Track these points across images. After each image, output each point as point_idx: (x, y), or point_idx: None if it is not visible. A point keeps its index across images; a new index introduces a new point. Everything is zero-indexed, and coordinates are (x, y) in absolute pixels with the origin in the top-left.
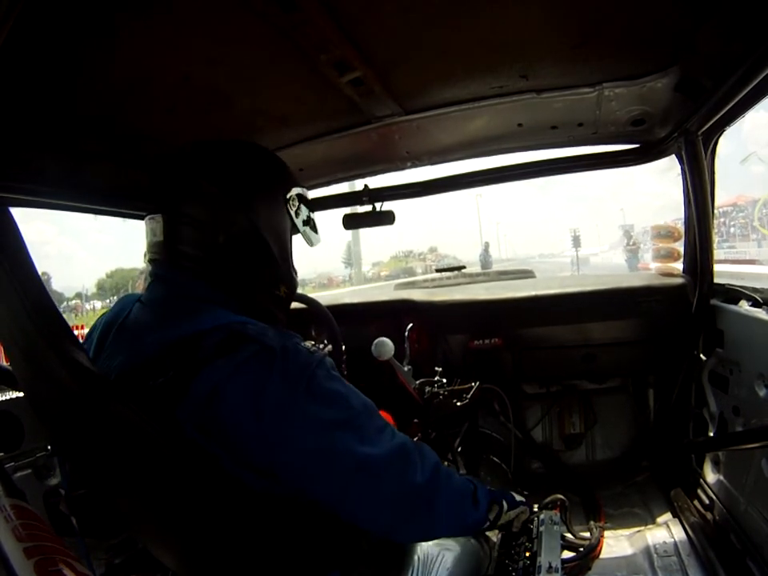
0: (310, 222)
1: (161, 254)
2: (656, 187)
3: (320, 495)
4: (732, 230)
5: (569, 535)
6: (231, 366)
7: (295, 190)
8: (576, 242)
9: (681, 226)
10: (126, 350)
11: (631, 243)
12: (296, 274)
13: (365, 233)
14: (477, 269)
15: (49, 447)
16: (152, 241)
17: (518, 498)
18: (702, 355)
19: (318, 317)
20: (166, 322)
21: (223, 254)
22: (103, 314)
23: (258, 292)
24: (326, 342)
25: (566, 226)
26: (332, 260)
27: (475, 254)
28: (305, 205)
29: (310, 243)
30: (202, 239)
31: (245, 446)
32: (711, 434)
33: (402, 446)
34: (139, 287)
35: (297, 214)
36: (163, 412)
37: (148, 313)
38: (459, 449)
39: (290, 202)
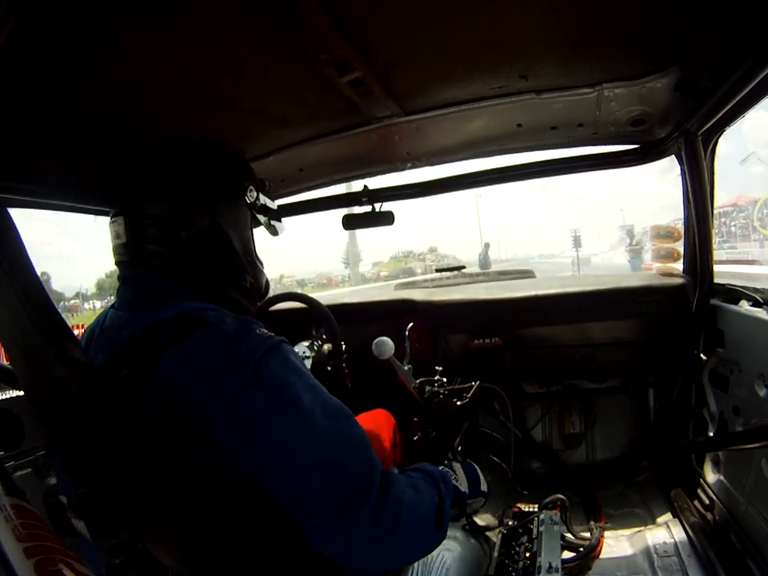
0: (270, 215)
1: (126, 255)
2: (656, 187)
3: (272, 486)
4: (733, 230)
5: (569, 535)
6: (187, 350)
7: (253, 186)
8: (576, 242)
9: (680, 227)
10: (102, 353)
11: (634, 243)
12: (262, 265)
13: (364, 233)
14: (476, 269)
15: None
16: (116, 243)
17: (482, 485)
18: (702, 355)
19: (318, 316)
20: (135, 318)
21: (187, 250)
22: (88, 327)
23: (224, 284)
24: (324, 338)
25: (565, 226)
26: (332, 260)
27: (475, 254)
28: (263, 199)
29: (274, 234)
30: (165, 237)
31: (205, 432)
32: (711, 434)
33: (367, 462)
34: None
35: (257, 208)
36: (133, 403)
37: (121, 315)
38: (459, 448)
39: (249, 195)
